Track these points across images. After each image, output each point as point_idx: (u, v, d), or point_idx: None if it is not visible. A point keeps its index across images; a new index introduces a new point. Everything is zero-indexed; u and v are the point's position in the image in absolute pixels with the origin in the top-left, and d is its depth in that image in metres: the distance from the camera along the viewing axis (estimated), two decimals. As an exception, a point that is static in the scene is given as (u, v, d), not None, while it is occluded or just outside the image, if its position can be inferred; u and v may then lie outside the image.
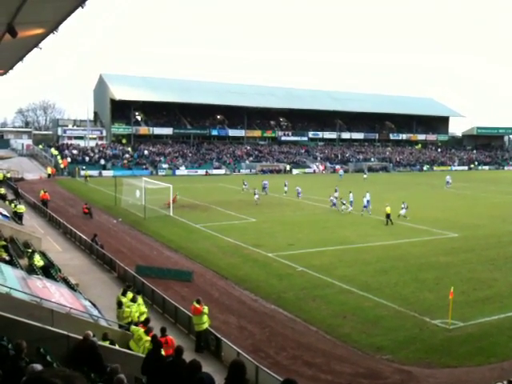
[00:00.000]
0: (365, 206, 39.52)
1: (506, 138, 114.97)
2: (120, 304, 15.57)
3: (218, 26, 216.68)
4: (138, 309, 15.60)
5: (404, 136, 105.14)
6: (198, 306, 15.60)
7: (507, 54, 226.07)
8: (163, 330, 12.90)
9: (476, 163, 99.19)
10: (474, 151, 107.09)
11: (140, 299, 16.23)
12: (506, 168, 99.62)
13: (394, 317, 17.73)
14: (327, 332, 16.78)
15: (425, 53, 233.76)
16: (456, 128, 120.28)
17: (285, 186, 50.99)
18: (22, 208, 33.91)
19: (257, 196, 43.32)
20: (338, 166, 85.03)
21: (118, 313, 15.61)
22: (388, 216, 34.47)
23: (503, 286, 21.32)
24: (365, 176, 69.95)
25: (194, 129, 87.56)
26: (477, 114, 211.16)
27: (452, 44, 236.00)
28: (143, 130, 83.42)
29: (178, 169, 74.90)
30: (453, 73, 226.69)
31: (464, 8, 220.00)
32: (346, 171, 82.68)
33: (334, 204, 40.81)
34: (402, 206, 37.30)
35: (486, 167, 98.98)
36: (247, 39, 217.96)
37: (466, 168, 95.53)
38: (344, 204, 39.41)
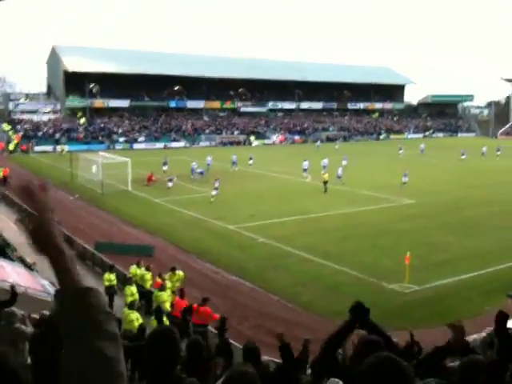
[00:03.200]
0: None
1: (459, 106, 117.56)
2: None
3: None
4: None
5: (361, 105, 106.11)
6: (158, 280, 15.66)
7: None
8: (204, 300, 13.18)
9: (431, 131, 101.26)
10: (429, 119, 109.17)
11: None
12: (459, 135, 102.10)
13: (353, 283, 18.20)
14: (288, 300, 17.11)
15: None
16: (412, 96, 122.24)
17: (250, 159, 49.70)
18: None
19: (170, 184, 36.97)
20: (297, 137, 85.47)
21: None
22: (325, 183, 35.63)
23: (457, 250, 22.14)
24: (336, 146, 70.64)
25: (152, 101, 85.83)
26: (433, 83, 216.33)
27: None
28: (98, 102, 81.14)
29: (135, 142, 73.61)
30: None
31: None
32: (304, 141, 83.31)
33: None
34: (404, 173, 38.22)
35: (441, 134, 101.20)
36: (204, 10, 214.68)
37: (420, 136, 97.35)
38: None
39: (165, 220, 28.02)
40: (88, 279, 19.29)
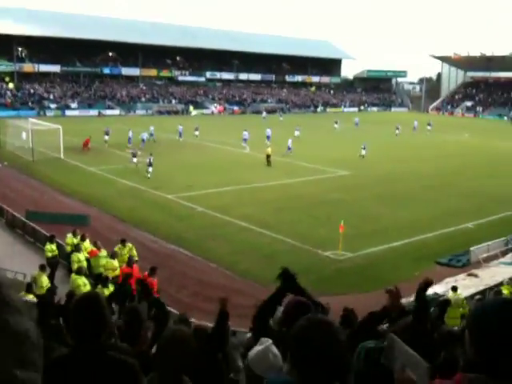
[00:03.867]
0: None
1: (393, 81, 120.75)
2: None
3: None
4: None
5: (300, 78, 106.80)
6: (94, 248, 15.39)
7: None
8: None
9: (366, 105, 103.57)
10: (364, 93, 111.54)
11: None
12: (392, 109, 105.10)
13: (290, 251, 18.59)
14: (227, 268, 17.28)
15: None
16: (348, 71, 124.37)
17: (195, 130, 47.87)
18: None
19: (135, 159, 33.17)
20: (235, 108, 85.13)
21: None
22: (268, 157, 35.19)
23: (388, 220, 23.02)
24: (281, 118, 71.15)
25: (84, 66, 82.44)
26: (369, 58, 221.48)
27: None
28: (28, 67, 77.03)
29: (68, 109, 70.75)
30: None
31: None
32: (243, 112, 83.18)
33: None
34: (362, 146, 39.19)
35: (375, 108, 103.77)
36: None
37: (356, 109, 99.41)
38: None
39: (100, 189, 27.31)
40: (19, 248, 18.68)
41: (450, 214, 23.90)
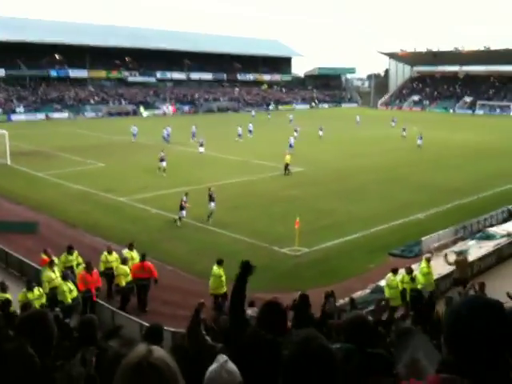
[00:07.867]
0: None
1: (343, 78, 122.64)
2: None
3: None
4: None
5: (251, 76, 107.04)
6: (45, 257, 14.88)
7: None
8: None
9: (317, 102, 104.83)
10: (315, 90, 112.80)
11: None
12: (343, 105, 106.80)
13: (248, 249, 18.52)
14: (183, 270, 17.07)
15: None
16: (299, 69, 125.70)
17: (200, 146, 39.80)
18: None
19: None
20: (186, 107, 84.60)
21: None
22: (287, 165, 32.03)
23: (342, 215, 23.33)
24: (269, 116, 72.76)
25: (30, 69, 79.92)
26: (319, 56, 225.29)
27: None
28: (-31, 71, 74.20)
29: (13, 113, 68.45)
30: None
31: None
32: (195, 112, 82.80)
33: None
34: (419, 136, 43.48)
35: (326, 105, 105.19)
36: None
37: (307, 106, 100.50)
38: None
39: (49, 194, 26.52)
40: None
41: (401, 206, 24.44)
